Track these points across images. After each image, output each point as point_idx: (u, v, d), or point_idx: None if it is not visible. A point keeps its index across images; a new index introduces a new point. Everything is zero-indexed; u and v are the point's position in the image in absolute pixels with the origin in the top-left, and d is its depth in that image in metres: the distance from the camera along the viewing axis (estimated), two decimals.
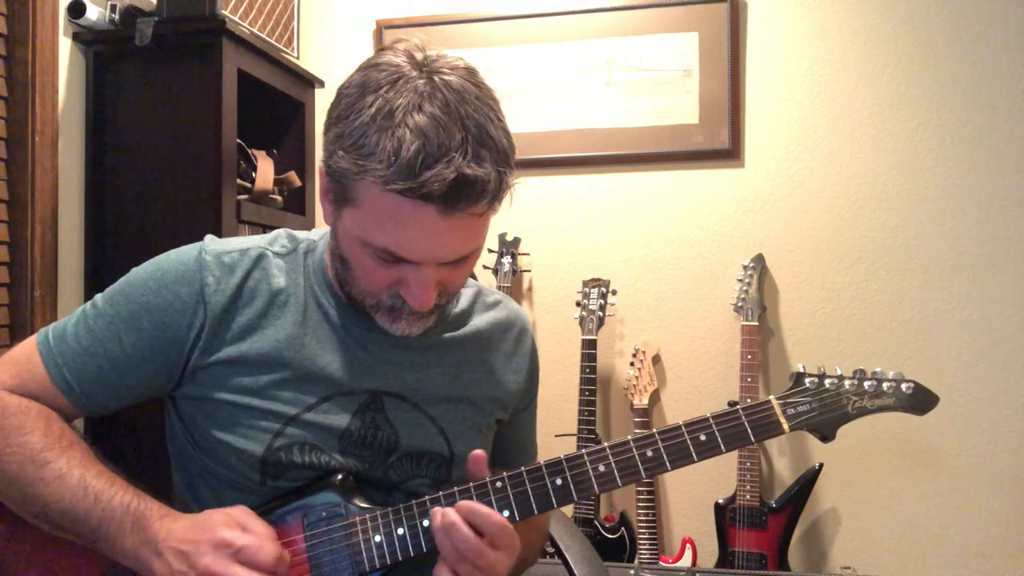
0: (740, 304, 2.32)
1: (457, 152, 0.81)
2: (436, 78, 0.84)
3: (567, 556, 1.37)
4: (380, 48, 0.90)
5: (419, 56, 0.87)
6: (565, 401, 2.39)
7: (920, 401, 0.98)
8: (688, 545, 2.35)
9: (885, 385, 0.97)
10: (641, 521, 2.26)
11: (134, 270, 0.99)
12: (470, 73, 0.88)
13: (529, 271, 2.55)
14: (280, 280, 0.99)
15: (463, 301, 1.09)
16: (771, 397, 0.96)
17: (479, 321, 1.08)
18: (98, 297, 0.99)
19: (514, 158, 0.88)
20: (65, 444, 0.91)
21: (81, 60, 1.99)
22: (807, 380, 0.98)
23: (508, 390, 1.10)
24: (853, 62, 2.38)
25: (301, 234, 1.05)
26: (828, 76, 2.39)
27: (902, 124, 2.35)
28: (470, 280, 1.13)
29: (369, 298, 0.93)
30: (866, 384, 0.97)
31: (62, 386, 0.94)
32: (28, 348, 0.97)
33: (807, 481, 2.23)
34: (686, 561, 2.32)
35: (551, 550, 2.22)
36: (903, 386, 0.98)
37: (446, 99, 0.83)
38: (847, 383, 0.97)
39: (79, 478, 0.88)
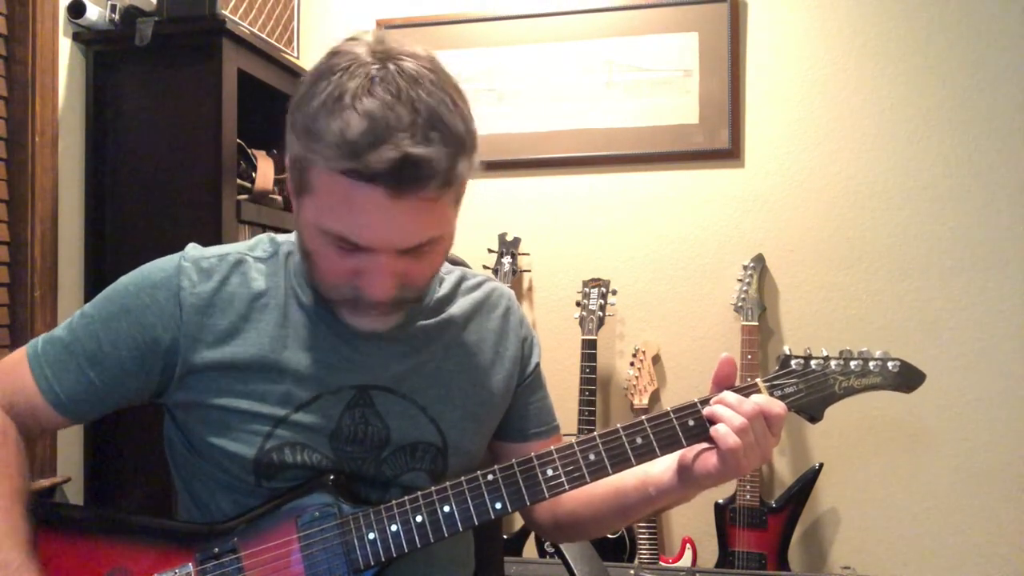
0: (740, 304, 2.32)
1: (404, 133, 0.79)
2: (391, 64, 0.83)
3: (567, 556, 1.37)
4: (345, 39, 0.89)
5: (379, 46, 0.86)
6: (565, 401, 2.39)
7: (907, 378, 0.97)
8: (688, 545, 2.35)
9: (871, 364, 0.97)
10: (641, 521, 2.26)
11: (120, 277, 1.00)
12: (429, 61, 0.87)
13: (529, 271, 2.55)
14: (260, 283, 0.99)
15: (445, 286, 1.07)
16: (758, 379, 0.96)
17: (463, 304, 1.07)
18: (87, 304, 1.00)
19: (474, 145, 0.87)
20: (1, 471, 0.89)
21: (81, 60, 1.99)
22: (793, 362, 0.97)
23: (502, 369, 1.08)
24: (853, 62, 2.38)
25: (282, 237, 1.05)
26: (828, 76, 2.39)
27: (902, 124, 2.35)
28: (453, 266, 1.12)
29: (332, 291, 0.92)
30: (852, 364, 0.97)
31: (44, 388, 0.95)
32: (19, 355, 0.98)
33: (807, 481, 2.24)
34: (686, 561, 2.32)
35: (551, 550, 2.22)
36: (889, 364, 0.97)
37: (398, 84, 0.82)
38: (833, 363, 0.97)
39: None
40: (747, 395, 0.93)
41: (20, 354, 0.98)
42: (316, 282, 0.94)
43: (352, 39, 0.88)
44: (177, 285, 0.96)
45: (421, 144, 0.80)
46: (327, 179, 0.83)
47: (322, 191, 0.84)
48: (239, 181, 2.05)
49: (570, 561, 1.36)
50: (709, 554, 2.32)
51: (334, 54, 0.86)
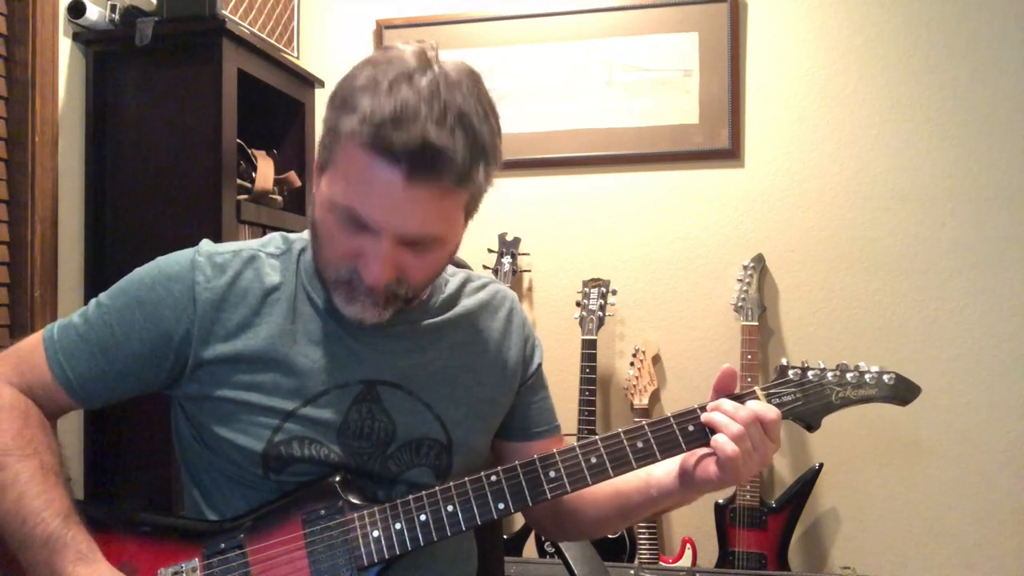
0: (740, 304, 2.32)
1: (430, 123, 0.83)
2: (435, 67, 0.87)
3: (567, 556, 1.37)
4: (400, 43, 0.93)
5: (429, 53, 0.89)
6: (565, 401, 2.39)
7: (902, 391, 1.00)
8: (688, 545, 2.35)
9: (867, 376, 1.00)
10: (641, 521, 2.26)
11: (136, 269, 1.02)
12: (471, 74, 0.90)
13: (529, 271, 2.55)
14: (273, 278, 1.01)
15: (451, 287, 1.10)
16: (756, 387, 0.99)
17: (468, 304, 1.10)
18: (103, 294, 1.02)
19: (496, 158, 0.90)
20: (28, 452, 0.92)
21: (81, 60, 1.99)
22: (791, 372, 1.00)
23: (505, 369, 1.10)
24: (853, 62, 2.38)
25: (294, 235, 1.07)
26: (828, 76, 2.39)
27: (902, 124, 2.35)
28: (457, 268, 1.14)
29: (330, 270, 0.94)
30: (848, 375, 1.00)
31: (57, 372, 0.97)
32: (35, 339, 1.00)
33: (807, 481, 2.24)
34: (686, 561, 2.32)
35: (551, 550, 2.22)
36: (885, 377, 1.00)
37: (436, 83, 0.85)
38: (830, 374, 1.00)
39: (17, 495, 0.89)
40: (744, 402, 0.96)
41: (36, 339, 1.00)
42: (317, 260, 0.96)
43: (406, 43, 0.92)
44: (192, 279, 0.98)
45: (444, 135, 0.83)
46: (349, 152, 0.86)
47: (342, 164, 0.87)
48: (239, 181, 2.05)
49: (570, 561, 1.36)
50: (709, 554, 2.32)
51: (386, 49, 0.90)
